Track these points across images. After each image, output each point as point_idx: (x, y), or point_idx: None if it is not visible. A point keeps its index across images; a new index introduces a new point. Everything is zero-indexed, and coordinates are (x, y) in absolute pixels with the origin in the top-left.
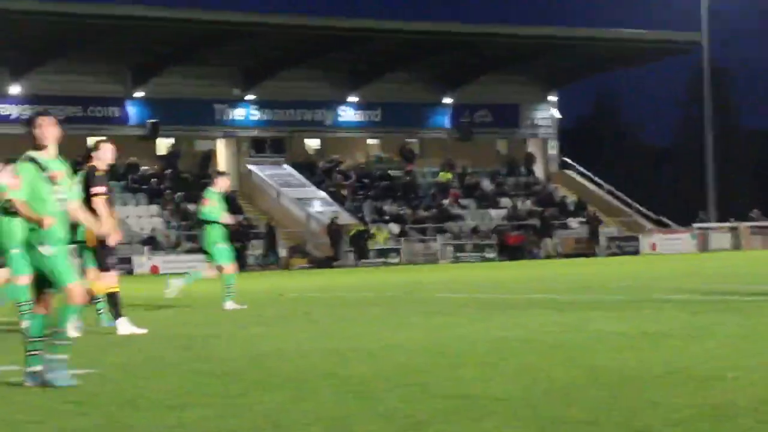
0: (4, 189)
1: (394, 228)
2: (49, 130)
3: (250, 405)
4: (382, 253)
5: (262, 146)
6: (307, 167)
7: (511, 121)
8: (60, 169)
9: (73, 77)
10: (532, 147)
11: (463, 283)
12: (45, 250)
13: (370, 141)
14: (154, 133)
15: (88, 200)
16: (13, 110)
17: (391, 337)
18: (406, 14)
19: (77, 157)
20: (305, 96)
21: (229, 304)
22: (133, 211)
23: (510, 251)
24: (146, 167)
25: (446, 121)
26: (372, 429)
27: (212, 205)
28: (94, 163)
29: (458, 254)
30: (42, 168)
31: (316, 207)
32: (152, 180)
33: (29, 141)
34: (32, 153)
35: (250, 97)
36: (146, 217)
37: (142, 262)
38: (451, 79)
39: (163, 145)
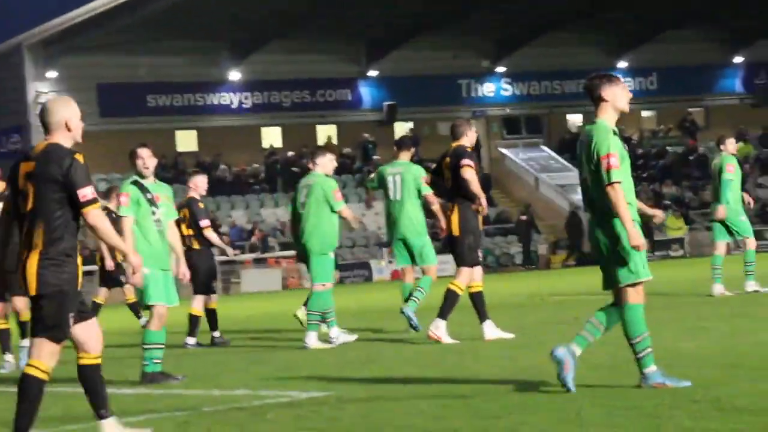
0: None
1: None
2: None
3: (508, 428)
4: (662, 244)
5: (515, 126)
6: (570, 148)
7: None
8: None
9: (299, 58)
10: None
11: (764, 277)
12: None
13: (644, 113)
14: (391, 117)
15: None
16: (234, 98)
17: (679, 345)
18: None
19: (304, 148)
20: (566, 65)
21: (751, 285)
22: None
23: None
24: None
25: (737, 84)
26: None
27: (732, 173)
28: (463, 142)
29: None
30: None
31: (581, 194)
32: None
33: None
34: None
35: (501, 69)
36: (384, 215)
37: (382, 267)
38: (742, 34)
39: (403, 130)
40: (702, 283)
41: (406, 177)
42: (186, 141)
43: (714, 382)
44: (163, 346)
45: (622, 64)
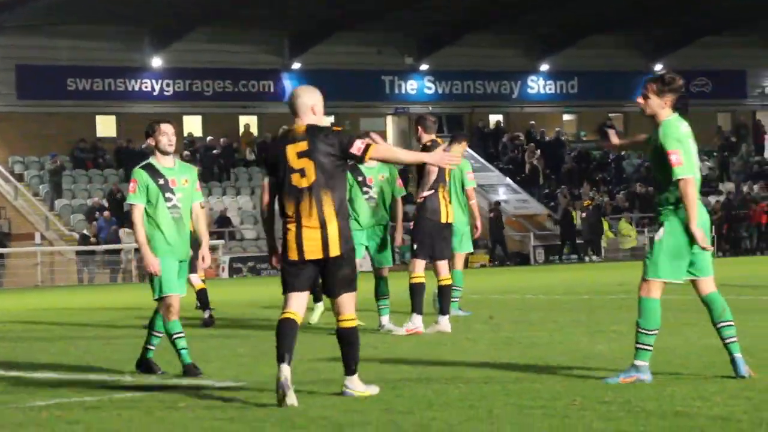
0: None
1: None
2: None
3: (418, 424)
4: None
5: (438, 124)
6: (489, 147)
7: (735, 90)
8: None
9: (222, 47)
10: (762, 120)
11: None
12: None
13: (565, 116)
14: None
15: None
16: (155, 85)
17: (587, 347)
18: None
19: (223, 138)
20: (488, 65)
21: None
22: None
23: (734, 244)
24: None
25: None
26: None
27: None
28: None
29: None
30: None
31: (501, 195)
32: None
33: None
34: None
35: (424, 67)
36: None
37: None
38: (663, 43)
39: (325, 123)
40: (615, 287)
41: (454, 172)
42: (106, 126)
43: (624, 384)
44: (161, 335)
45: (544, 67)
